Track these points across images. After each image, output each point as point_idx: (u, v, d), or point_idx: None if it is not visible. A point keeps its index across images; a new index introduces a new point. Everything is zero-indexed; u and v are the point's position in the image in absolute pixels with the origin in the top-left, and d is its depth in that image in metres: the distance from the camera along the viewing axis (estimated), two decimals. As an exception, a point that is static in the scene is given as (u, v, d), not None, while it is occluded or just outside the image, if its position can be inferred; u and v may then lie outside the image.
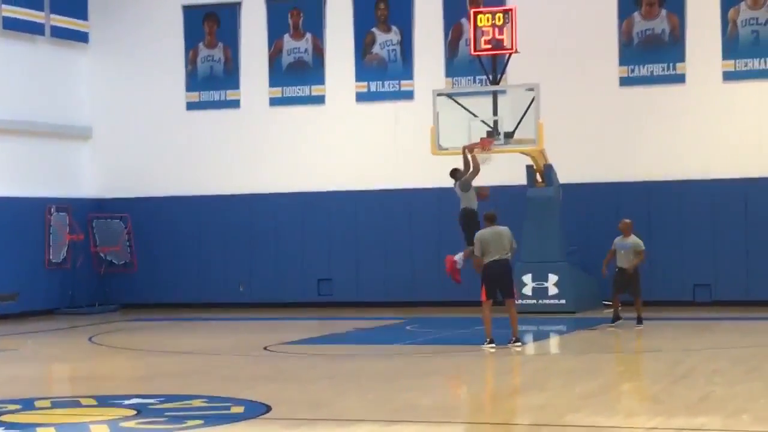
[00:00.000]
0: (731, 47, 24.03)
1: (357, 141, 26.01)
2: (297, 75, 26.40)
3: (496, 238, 17.23)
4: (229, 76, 26.83)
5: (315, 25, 26.34)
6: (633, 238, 20.01)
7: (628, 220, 20.27)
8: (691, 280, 24.05)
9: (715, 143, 24.09)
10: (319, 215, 26.03)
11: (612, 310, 20.13)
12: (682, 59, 24.33)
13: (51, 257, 25.79)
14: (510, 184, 24.32)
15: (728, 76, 24.07)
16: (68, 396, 14.21)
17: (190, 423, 11.66)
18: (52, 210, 25.86)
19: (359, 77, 26.02)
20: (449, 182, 24.99)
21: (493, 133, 21.97)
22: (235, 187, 26.56)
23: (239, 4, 26.79)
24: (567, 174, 23.84)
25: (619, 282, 19.93)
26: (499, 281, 17.29)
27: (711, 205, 23.97)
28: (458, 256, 19.84)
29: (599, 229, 23.40)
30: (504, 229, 17.38)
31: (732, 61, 24.03)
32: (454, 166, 20.59)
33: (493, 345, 17.08)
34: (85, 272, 26.37)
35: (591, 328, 20.44)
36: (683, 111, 24.32)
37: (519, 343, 17.48)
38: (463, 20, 24.87)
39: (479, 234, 17.45)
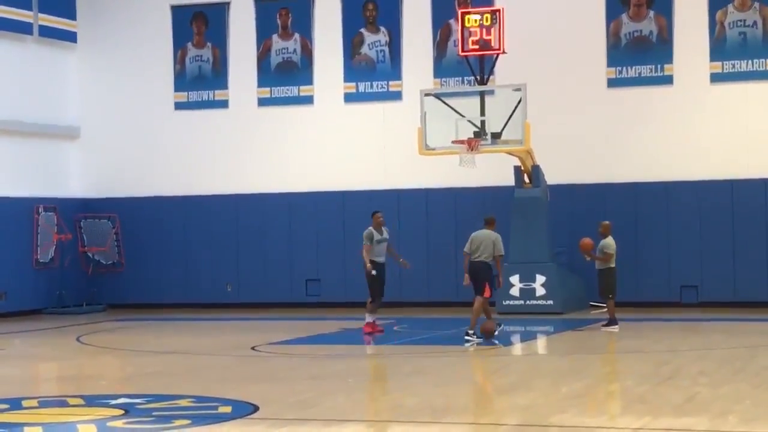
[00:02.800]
0: (719, 49, 24.10)
1: (345, 141, 26.03)
2: (285, 75, 26.41)
3: (480, 241, 18.58)
4: (217, 76, 26.83)
5: (303, 25, 26.36)
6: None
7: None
8: (678, 282, 24.11)
9: (703, 144, 24.16)
10: (307, 215, 26.04)
11: (611, 311, 20.05)
12: (669, 61, 24.39)
13: (39, 257, 25.76)
14: (497, 184, 24.37)
15: (716, 78, 24.13)
16: (56, 396, 14.20)
17: (178, 423, 11.67)
18: (40, 210, 25.83)
19: (348, 78, 26.05)
20: (437, 182, 25.13)
21: (480, 133, 22.01)
22: (223, 187, 26.57)
23: (228, 4, 26.80)
24: (554, 175, 23.90)
25: (614, 282, 19.99)
26: (474, 279, 18.58)
27: (698, 206, 24.04)
28: (367, 318, 19.83)
29: (586, 231, 23.42)
30: (491, 234, 18.61)
31: (719, 63, 24.10)
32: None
33: (474, 336, 18.28)
34: (73, 272, 26.35)
35: (578, 329, 20.48)
36: (671, 112, 24.38)
37: (472, 336, 18.28)
38: (452, 21, 24.90)
39: (473, 234, 18.74)
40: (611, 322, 19.97)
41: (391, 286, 25.24)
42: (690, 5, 24.27)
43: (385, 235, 19.76)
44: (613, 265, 19.96)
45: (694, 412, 11.78)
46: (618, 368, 16.36)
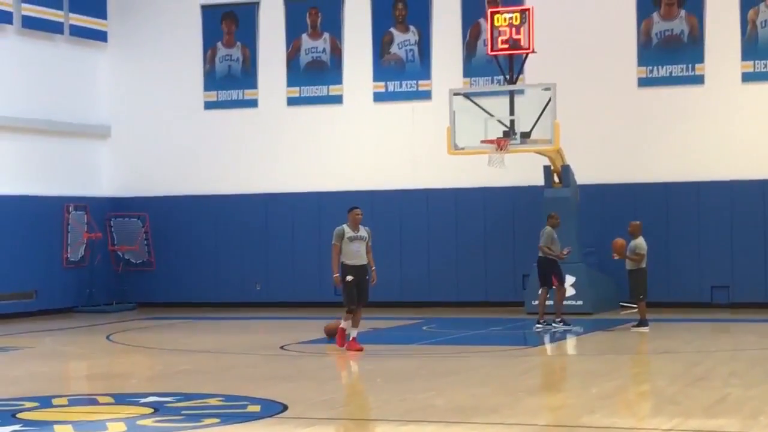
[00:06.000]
0: (750, 48, 23.96)
1: (374, 141, 26.03)
2: (315, 74, 26.43)
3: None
4: (247, 75, 26.88)
5: (333, 24, 26.37)
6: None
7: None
8: (709, 282, 23.99)
9: (734, 144, 24.03)
10: (336, 215, 25.94)
11: (642, 311, 20.00)
12: (701, 60, 24.26)
13: (69, 256, 25.87)
14: (527, 184, 24.32)
15: (747, 77, 23.99)
16: (86, 394, 14.26)
17: (207, 421, 11.68)
18: (71, 208, 25.95)
19: (377, 77, 26.04)
20: (466, 182, 25.08)
21: (509, 132, 21.95)
22: (252, 186, 26.61)
23: (257, 3, 26.84)
24: (584, 175, 23.82)
25: (645, 283, 19.97)
26: (539, 273, 20.41)
27: (729, 206, 23.90)
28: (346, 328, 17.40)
29: (617, 231, 23.32)
30: (542, 230, 20.40)
31: (751, 62, 23.96)
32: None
33: (540, 325, 19.98)
34: (103, 271, 26.46)
35: (608, 330, 20.40)
36: (702, 112, 24.26)
37: (539, 326, 20.04)
38: (481, 20, 24.85)
39: (549, 230, 20.38)
40: (642, 322, 19.89)
41: (419, 285, 25.33)
42: (721, 4, 24.14)
43: (362, 233, 17.23)
44: (644, 265, 19.90)
45: (725, 413, 11.71)
46: (648, 369, 16.28)
